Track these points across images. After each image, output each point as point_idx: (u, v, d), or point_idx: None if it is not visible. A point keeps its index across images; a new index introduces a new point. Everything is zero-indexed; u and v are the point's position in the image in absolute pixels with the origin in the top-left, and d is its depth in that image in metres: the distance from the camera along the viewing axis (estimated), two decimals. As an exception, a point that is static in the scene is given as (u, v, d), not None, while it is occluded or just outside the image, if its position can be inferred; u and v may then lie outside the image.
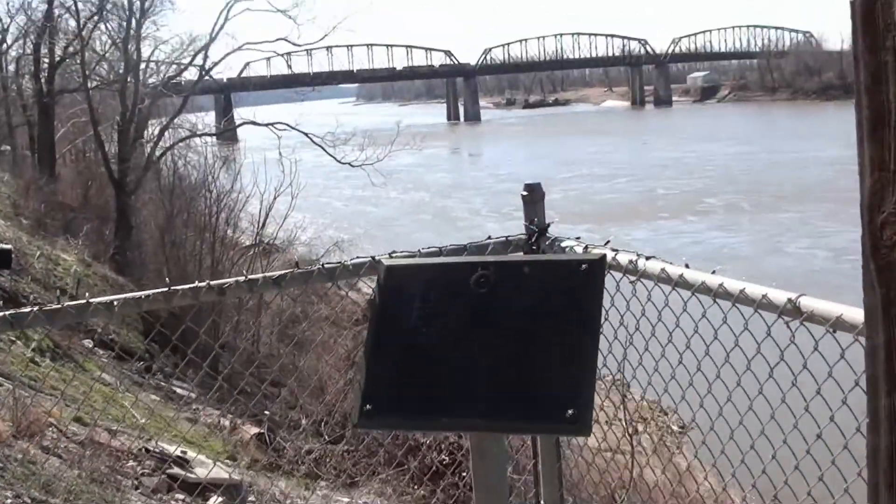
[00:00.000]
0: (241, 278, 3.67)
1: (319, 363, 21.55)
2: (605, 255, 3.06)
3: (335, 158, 23.12)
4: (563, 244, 4.52)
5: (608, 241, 4.22)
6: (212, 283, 3.57)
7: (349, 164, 23.15)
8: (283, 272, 3.82)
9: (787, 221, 46.85)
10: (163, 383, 14.05)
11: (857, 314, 2.85)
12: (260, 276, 3.79)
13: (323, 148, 23.02)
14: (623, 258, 3.97)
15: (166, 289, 3.46)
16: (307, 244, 34.64)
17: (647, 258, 3.90)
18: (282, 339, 23.57)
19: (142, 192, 23.42)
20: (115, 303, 3.43)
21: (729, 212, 51.50)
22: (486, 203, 60.58)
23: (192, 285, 3.53)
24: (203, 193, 23.45)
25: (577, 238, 4.57)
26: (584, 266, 2.81)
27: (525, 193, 4.80)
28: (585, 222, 49.57)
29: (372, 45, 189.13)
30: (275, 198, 22.80)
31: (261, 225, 23.33)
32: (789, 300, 3.20)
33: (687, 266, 3.70)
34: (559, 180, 69.66)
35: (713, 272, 3.57)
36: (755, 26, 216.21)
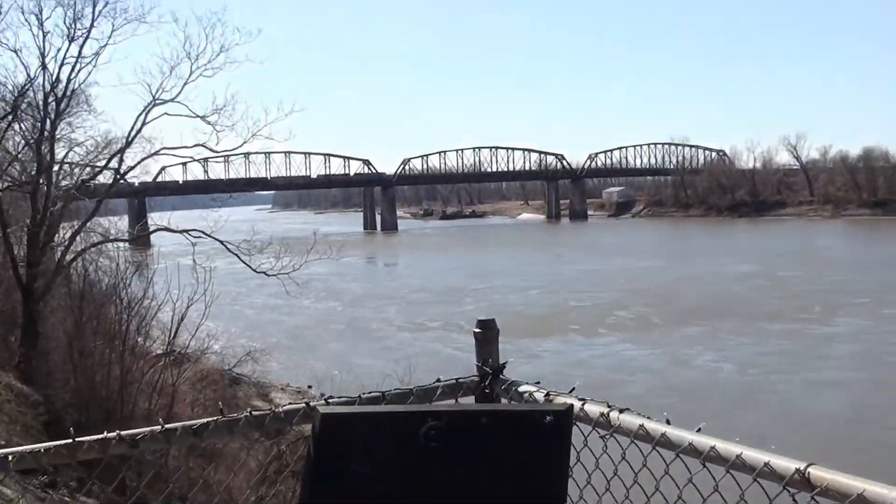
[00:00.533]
0: (158, 428, 3.33)
1: (230, 476, 20.94)
2: (571, 406, 2.70)
3: (250, 267, 22.80)
4: (520, 388, 4.12)
5: (573, 388, 3.83)
6: (123, 433, 3.21)
7: (265, 273, 22.80)
8: (205, 421, 3.46)
9: (695, 335, 47.56)
10: (67, 499, 13.43)
11: (881, 490, 2.54)
12: (179, 425, 3.44)
13: (238, 256, 22.68)
14: (593, 410, 3.55)
15: (70, 441, 3.15)
16: (220, 353, 34.04)
17: (621, 411, 3.45)
18: (191, 450, 22.93)
19: (50, 298, 22.76)
20: (11, 458, 3.13)
21: (639, 325, 52.13)
22: (399, 312, 61.05)
23: (100, 436, 3.18)
24: (114, 300, 22.90)
25: (537, 382, 4.15)
26: (548, 418, 2.49)
27: (478, 330, 4.43)
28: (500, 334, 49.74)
29: (290, 152, 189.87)
30: (187, 306, 22.31)
31: (173, 334, 22.77)
32: (797, 470, 2.77)
33: (668, 422, 3.31)
34: (472, 291, 70.94)
35: (698, 430, 3.16)
36: (670, 144, 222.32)
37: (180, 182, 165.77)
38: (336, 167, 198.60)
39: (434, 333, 51.66)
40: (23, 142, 25.24)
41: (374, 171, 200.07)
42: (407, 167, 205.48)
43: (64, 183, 23.59)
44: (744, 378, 37.41)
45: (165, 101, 21.93)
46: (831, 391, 34.71)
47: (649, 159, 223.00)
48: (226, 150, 23.44)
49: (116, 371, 21.13)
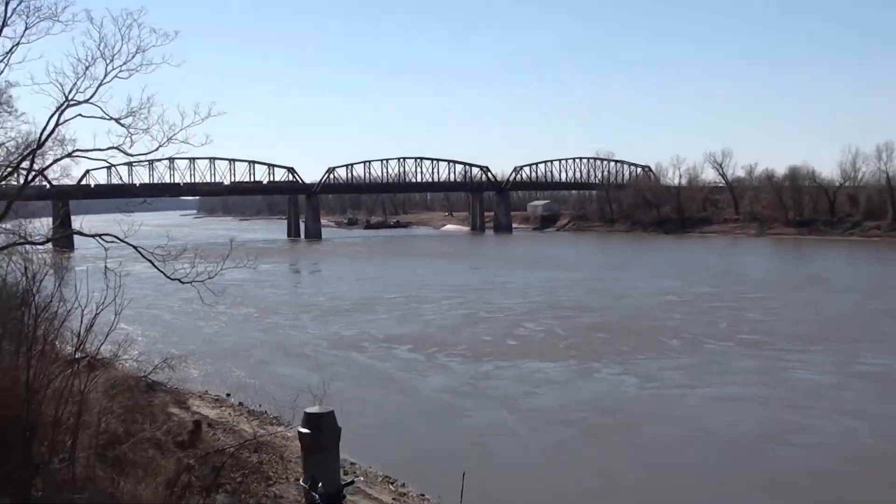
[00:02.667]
0: None
1: (139, 488, 20.63)
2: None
3: (164, 273, 22.44)
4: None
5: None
6: None
7: (179, 280, 22.49)
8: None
9: (601, 349, 48.32)
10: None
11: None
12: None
13: (152, 262, 22.33)
14: None
15: None
16: (135, 359, 33.52)
17: None
18: (102, 459, 22.49)
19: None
20: None
21: (546, 337, 52.86)
22: (315, 321, 61.44)
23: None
24: (23, 304, 22.43)
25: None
26: None
27: (305, 431, 4.02)
28: (403, 343, 51.06)
29: (214, 158, 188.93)
30: (98, 311, 21.88)
31: (82, 338, 22.33)
32: None
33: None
34: (385, 300, 72.18)
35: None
36: (596, 158, 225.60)
37: (92, 185, 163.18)
38: (261, 174, 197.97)
39: (347, 342, 51.97)
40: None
41: (298, 180, 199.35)
42: (332, 176, 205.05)
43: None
44: (642, 392, 38.05)
45: (80, 102, 21.46)
46: (727, 406, 35.45)
47: (575, 173, 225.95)
48: (140, 154, 22.96)
49: (23, 377, 20.69)
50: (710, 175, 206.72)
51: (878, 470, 27.28)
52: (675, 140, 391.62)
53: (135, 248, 22.15)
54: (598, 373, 42.20)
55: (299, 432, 3.62)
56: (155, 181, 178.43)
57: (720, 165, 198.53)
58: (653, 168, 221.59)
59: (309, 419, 3.98)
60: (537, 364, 44.12)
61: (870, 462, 28.13)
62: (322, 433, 3.51)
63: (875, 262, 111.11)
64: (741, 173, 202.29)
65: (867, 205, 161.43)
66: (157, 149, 22.23)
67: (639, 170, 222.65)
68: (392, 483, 26.12)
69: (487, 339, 51.77)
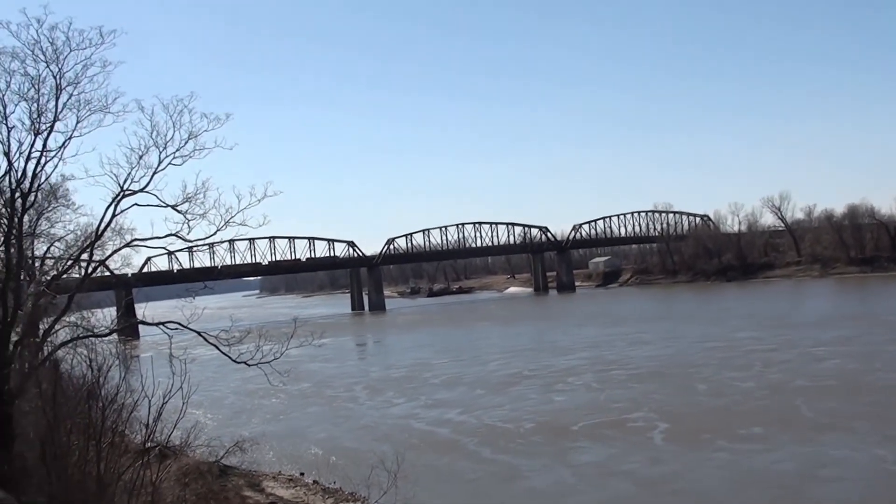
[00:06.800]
0: None
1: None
2: None
3: (230, 357, 22.16)
4: None
5: None
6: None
7: (245, 363, 22.19)
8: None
9: (634, 394, 50.68)
10: None
11: None
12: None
13: (217, 347, 22.05)
14: None
15: None
16: (206, 445, 33.27)
17: None
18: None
19: (23, 399, 22.09)
20: None
21: (586, 388, 54.96)
22: (366, 390, 62.59)
23: None
24: (91, 396, 22.27)
25: None
26: None
27: None
28: (445, 396, 52.86)
29: (274, 237, 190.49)
30: (165, 399, 21.67)
31: (151, 428, 22.08)
32: None
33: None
34: (433, 365, 74.79)
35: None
36: (654, 211, 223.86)
37: (166, 272, 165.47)
38: (321, 250, 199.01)
39: (401, 408, 53.31)
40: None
41: (359, 253, 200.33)
42: (392, 247, 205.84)
43: (45, 279, 23.17)
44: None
45: (135, 192, 21.44)
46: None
47: (633, 228, 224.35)
48: (199, 239, 22.84)
49: (94, 471, 20.42)
50: (769, 219, 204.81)
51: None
52: (733, 187, 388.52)
53: (198, 333, 21.93)
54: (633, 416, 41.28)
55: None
56: (216, 263, 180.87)
57: (778, 209, 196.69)
58: (711, 216, 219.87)
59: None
60: (564, 403, 43.53)
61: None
62: None
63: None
64: (800, 215, 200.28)
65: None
66: (214, 233, 22.11)
67: (697, 219, 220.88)
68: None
69: (534, 386, 51.30)
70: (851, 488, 29.04)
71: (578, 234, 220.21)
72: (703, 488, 30.56)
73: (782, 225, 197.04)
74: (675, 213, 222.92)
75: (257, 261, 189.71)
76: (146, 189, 21.50)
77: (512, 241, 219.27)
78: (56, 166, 21.69)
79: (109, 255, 23.11)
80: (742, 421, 40.95)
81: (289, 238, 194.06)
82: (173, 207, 21.74)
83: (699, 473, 32.55)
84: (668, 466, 33.89)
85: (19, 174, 20.59)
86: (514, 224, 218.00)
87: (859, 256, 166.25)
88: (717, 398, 47.51)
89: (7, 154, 20.48)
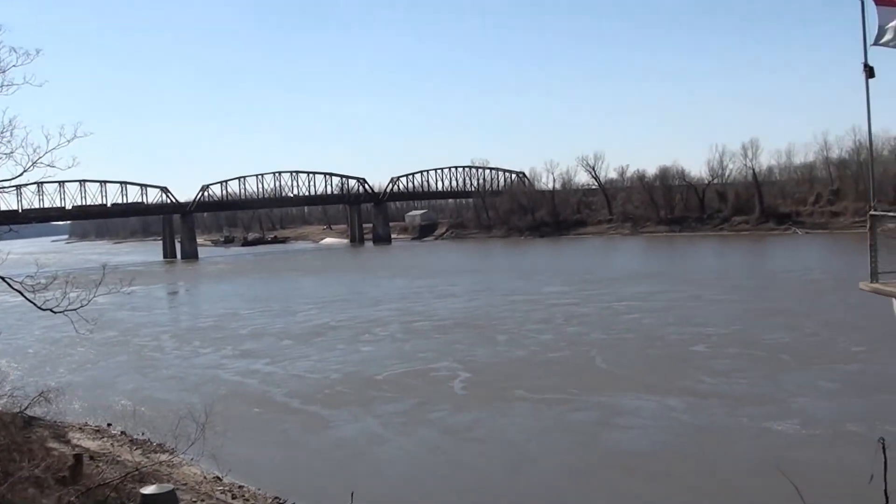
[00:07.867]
0: None
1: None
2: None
3: (35, 304, 21.72)
4: None
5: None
6: None
7: (51, 310, 21.82)
8: None
9: (438, 345, 52.10)
10: None
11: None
12: None
13: (21, 293, 21.60)
14: None
15: None
16: (9, 395, 32.33)
17: None
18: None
19: None
20: None
21: (392, 339, 56.13)
22: (174, 339, 62.19)
23: None
24: None
25: None
26: None
27: None
28: (253, 346, 51.99)
29: (85, 181, 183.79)
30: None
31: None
32: None
33: None
34: (242, 315, 75.06)
35: None
36: (471, 167, 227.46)
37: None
38: (133, 195, 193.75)
39: (209, 358, 53.34)
40: None
41: (172, 199, 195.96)
42: (206, 194, 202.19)
43: None
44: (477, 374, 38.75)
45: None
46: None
47: (451, 182, 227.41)
48: (4, 180, 22.27)
49: None
50: (583, 178, 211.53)
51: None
52: (549, 146, 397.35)
53: (2, 278, 21.44)
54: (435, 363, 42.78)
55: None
56: (23, 206, 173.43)
57: (592, 168, 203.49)
58: (527, 174, 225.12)
59: (145, 501, 3.80)
60: (370, 354, 44.58)
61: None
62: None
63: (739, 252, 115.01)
64: (613, 175, 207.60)
65: (735, 201, 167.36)
66: (21, 174, 21.53)
67: (513, 176, 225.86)
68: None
69: (344, 336, 52.13)
70: (643, 435, 30.86)
71: (396, 187, 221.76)
72: (505, 436, 31.89)
73: (596, 184, 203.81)
74: (491, 169, 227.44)
75: (67, 205, 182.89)
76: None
77: (329, 192, 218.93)
78: None
79: None
80: (540, 371, 42.76)
81: (100, 182, 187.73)
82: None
83: (501, 421, 33.83)
84: (471, 415, 35.07)
85: None
86: (331, 174, 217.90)
87: (668, 216, 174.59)
88: (517, 349, 49.23)
89: None
